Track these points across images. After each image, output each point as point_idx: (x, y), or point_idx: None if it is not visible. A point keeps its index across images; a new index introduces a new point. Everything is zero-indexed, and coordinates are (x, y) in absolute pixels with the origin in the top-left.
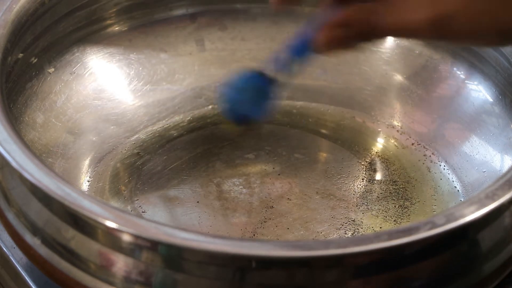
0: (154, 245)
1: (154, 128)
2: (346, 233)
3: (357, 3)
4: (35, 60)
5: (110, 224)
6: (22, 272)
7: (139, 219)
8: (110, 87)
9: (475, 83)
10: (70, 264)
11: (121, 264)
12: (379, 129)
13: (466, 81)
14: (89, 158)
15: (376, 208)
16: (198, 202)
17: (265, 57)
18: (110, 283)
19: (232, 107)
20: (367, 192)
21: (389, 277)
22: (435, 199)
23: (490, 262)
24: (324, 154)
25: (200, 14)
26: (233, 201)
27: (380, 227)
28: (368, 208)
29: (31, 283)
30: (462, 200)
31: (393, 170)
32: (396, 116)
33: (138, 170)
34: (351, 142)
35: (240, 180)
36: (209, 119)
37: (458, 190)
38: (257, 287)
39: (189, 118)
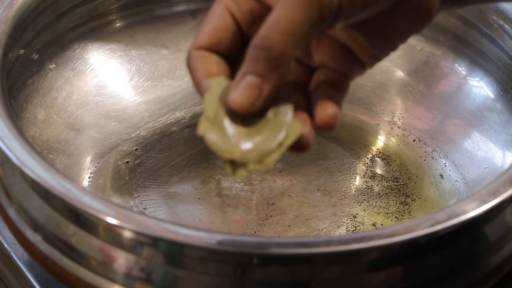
0: (155, 242)
1: (155, 124)
2: (347, 230)
3: None
4: (36, 56)
5: (111, 220)
6: (23, 269)
7: (140, 216)
8: (111, 83)
9: (477, 79)
10: (71, 260)
11: (122, 260)
12: (380, 126)
13: (468, 77)
14: (90, 155)
15: (378, 204)
16: (199, 198)
17: None
18: (111, 280)
19: None
20: (368, 189)
21: (390, 274)
22: (436, 196)
23: (492, 258)
24: (325, 151)
25: (201, 10)
26: (234, 198)
27: (382, 224)
28: (369, 205)
29: (32, 280)
30: (463, 196)
31: (394, 167)
32: (397, 112)
33: (139, 167)
34: (352, 139)
35: (242, 177)
36: None
37: (459, 187)
38: (258, 284)
39: (190, 114)
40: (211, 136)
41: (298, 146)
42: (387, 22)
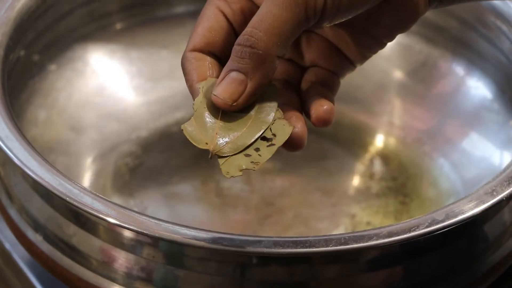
0: (155, 242)
1: (155, 125)
2: (346, 230)
3: None
4: (37, 58)
5: (112, 220)
6: (24, 269)
7: (140, 216)
8: (112, 84)
9: (475, 79)
10: (72, 260)
11: (122, 260)
12: (379, 126)
13: (466, 78)
14: (91, 155)
15: (376, 204)
16: (199, 198)
17: None
18: (112, 279)
19: None
20: (367, 188)
21: (389, 273)
22: (435, 195)
23: (490, 257)
24: (324, 151)
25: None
26: (233, 198)
27: (380, 224)
28: (368, 205)
29: (33, 280)
30: (461, 196)
31: (393, 167)
32: (396, 113)
33: (139, 167)
34: (351, 139)
35: (241, 177)
36: None
37: (457, 186)
38: (258, 283)
39: (190, 114)
40: (188, 127)
41: (292, 145)
42: (374, 21)
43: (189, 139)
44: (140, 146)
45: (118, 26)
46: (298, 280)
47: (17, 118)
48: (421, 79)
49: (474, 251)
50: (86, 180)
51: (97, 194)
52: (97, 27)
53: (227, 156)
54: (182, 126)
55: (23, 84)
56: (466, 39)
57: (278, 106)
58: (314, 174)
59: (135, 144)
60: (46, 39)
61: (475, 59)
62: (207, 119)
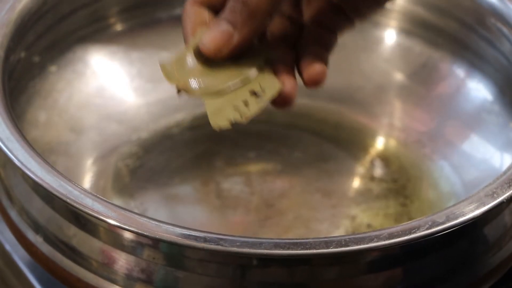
0: (155, 243)
1: (156, 126)
2: (346, 231)
3: None
4: (38, 59)
5: (112, 222)
6: (24, 270)
7: (140, 217)
8: (112, 85)
9: (475, 81)
10: (72, 261)
11: (123, 261)
12: (379, 128)
13: (466, 80)
14: (91, 156)
15: (377, 206)
16: (199, 200)
17: None
18: (112, 281)
19: None
20: (367, 190)
21: (389, 275)
22: (435, 197)
23: (490, 259)
24: (325, 153)
25: None
26: (234, 199)
27: (381, 225)
28: (368, 207)
29: (33, 281)
30: (462, 198)
31: (393, 169)
32: (396, 114)
33: (140, 168)
34: (351, 141)
35: (241, 178)
36: None
37: (458, 188)
38: (258, 285)
39: (191, 116)
40: (167, 65)
41: (281, 101)
42: None
43: (163, 74)
44: (140, 148)
45: (119, 27)
46: (298, 281)
47: (17, 119)
48: (422, 81)
49: (475, 253)
50: (87, 181)
51: (98, 195)
52: (97, 29)
53: (196, 95)
54: (161, 62)
55: (23, 86)
56: (466, 41)
57: (272, 63)
58: (314, 175)
59: (135, 145)
60: (47, 40)
61: (476, 61)
62: (188, 61)
